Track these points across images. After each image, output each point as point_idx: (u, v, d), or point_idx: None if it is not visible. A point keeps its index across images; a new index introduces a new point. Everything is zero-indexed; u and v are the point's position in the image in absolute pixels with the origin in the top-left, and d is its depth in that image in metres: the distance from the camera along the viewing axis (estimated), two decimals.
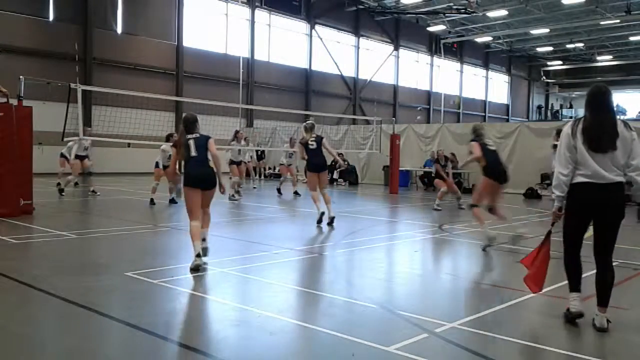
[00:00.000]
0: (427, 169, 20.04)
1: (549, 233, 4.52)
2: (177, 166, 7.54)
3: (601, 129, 4.11)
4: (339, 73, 35.42)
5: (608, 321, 4.18)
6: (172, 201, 12.34)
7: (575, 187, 4.21)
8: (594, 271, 4.33)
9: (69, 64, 22.03)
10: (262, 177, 23.86)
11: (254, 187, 16.67)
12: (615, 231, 4.21)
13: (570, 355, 3.71)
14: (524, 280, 4.65)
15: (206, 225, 6.27)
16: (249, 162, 19.12)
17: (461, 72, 45.24)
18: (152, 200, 12.32)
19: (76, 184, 15.86)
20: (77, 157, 14.34)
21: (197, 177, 6.08)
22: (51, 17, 23.08)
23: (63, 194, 13.79)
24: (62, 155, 15.33)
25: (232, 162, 14.22)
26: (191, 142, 6.17)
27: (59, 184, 14.41)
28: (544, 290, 5.14)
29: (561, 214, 4.34)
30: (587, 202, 4.19)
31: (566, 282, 4.63)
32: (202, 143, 6.19)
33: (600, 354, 3.78)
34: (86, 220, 10.44)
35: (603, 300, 4.19)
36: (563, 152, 4.21)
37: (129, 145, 18.01)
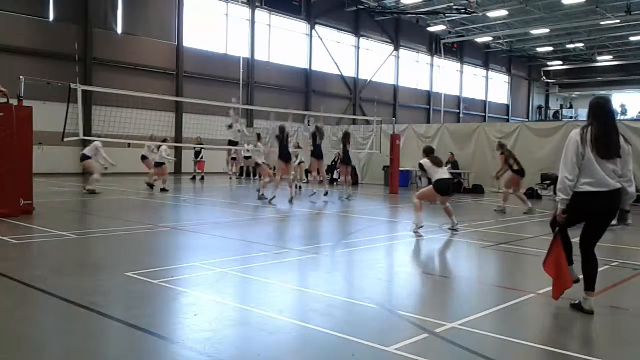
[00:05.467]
0: None
1: (556, 235, 4.59)
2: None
3: (610, 136, 4.38)
4: (339, 73, 35.41)
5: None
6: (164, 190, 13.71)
7: (579, 195, 4.42)
8: (606, 267, 4.47)
9: (69, 64, 22.00)
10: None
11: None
12: (605, 229, 4.59)
13: (569, 355, 3.71)
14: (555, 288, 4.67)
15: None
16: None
17: (461, 72, 45.24)
18: None
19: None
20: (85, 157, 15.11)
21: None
22: (51, 17, 23.07)
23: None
24: (143, 157, 17.53)
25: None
26: None
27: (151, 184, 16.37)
28: (543, 291, 5.16)
29: (564, 217, 4.51)
30: (590, 209, 4.46)
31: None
32: None
33: (600, 354, 3.78)
34: (86, 220, 10.43)
35: (591, 285, 4.55)
36: (570, 158, 4.40)
37: (129, 145, 18.03)
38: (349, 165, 15.88)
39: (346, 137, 15.48)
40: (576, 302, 4.61)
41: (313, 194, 15.01)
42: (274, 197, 13.10)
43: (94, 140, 14.70)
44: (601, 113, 4.50)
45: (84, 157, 14.52)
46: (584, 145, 4.37)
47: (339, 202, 14.18)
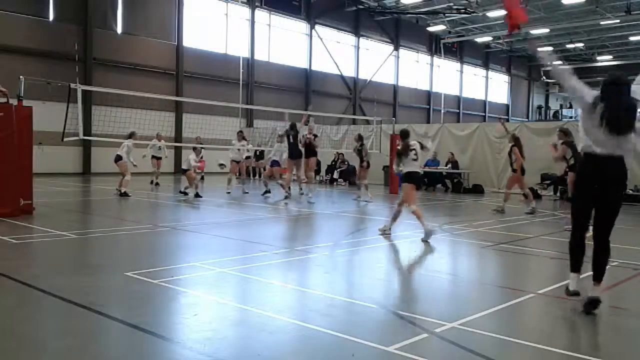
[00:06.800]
0: (426, 169, 20.04)
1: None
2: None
3: (618, 115, 4.32)
4: (339, 73, 35.42)
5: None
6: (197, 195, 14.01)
7: (586, 158, 4.50)
8: (607, 267, 4.53)
9: (69, 64, 22.03)
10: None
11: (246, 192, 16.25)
12: (615, 212, 4.49)
13: (569, 355, 3.71)
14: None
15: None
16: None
17: (461, 72, 45.25)
18: None
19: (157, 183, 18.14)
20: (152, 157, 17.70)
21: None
22: (51, 17, 23.08)
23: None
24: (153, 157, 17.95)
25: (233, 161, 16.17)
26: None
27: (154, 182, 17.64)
28: (543, 290, 5.16)
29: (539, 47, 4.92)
30: (595, 175, 4.44)
31: (567, 281, 4.67)
32: None
33: (600, 354, 3.78)
34: (86, 220, 10.43)
35: (599, 276, 4.57)
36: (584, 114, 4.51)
37: None
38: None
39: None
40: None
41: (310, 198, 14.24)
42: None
43: (124, 141, 14.40)
44: (610, 91, 4.39)
45: (118, 158, 14.39)
46: (594, 110, 4.36)
47: (340, 202, 14.16)
